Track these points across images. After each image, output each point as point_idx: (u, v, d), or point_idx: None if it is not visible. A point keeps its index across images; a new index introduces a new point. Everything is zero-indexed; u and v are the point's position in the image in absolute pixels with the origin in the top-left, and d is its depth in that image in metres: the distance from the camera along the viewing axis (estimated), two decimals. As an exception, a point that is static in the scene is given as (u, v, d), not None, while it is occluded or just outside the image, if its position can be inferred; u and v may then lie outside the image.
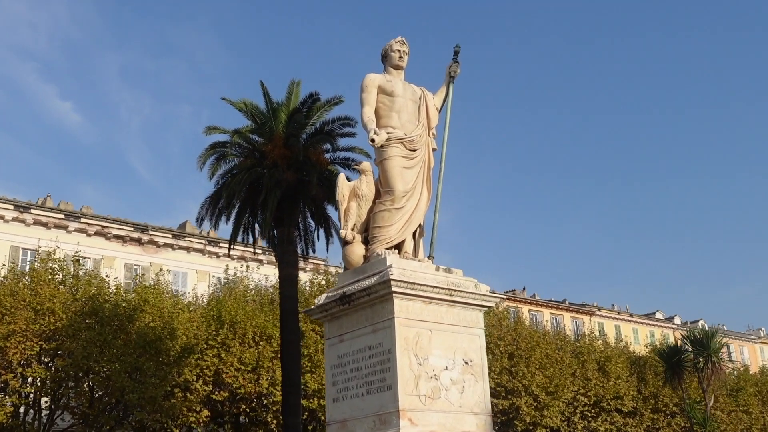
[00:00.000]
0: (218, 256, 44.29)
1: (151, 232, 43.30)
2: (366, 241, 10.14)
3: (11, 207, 39.74)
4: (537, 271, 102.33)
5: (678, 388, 32.34)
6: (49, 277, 24.50)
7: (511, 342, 33.98)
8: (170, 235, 44.00)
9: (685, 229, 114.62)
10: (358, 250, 10.16)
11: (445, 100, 10.80)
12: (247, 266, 37.45)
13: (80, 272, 26.67)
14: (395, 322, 8.95)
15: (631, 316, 68.80)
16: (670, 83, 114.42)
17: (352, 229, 10.16)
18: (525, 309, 57.29)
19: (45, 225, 39.89)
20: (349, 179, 10.41)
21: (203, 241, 44.56)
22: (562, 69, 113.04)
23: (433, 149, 10.41)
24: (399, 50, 10.54)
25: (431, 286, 9.35)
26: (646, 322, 69.69)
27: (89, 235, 41.23)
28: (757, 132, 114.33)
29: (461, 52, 10.75)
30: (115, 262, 41.87)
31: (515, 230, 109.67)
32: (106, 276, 28.14)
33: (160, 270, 34.36)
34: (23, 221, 39.45)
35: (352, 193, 10.24)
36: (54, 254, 26.00)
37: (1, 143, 79.86)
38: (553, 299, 64.09)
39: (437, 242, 10.32)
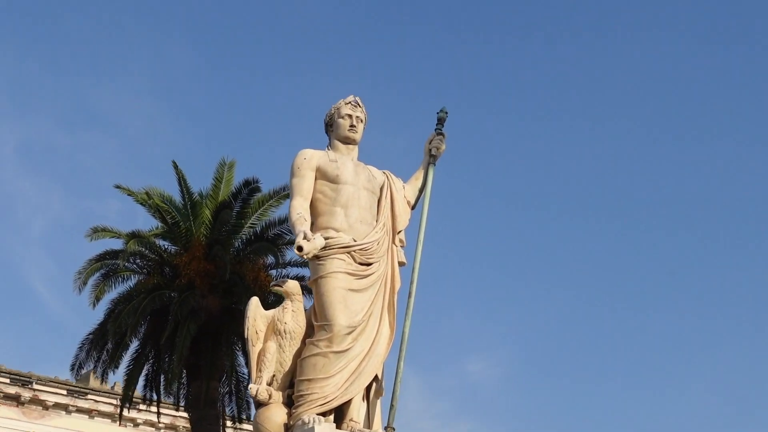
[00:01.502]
0: (136, 424, 42.92)
1: (36, 386, 41.80)
2: (291, 402, 9.67)
3: None
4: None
5: None
6: None
7: None
8: (65, 391, 42.17)
9: None
10: (276, 416, 9.67)
11: (422, 190, 10.54)
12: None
13: None
14: None
15: None
16: None
17: (270, 384, 9.75)
18: None
19: None
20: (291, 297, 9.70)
21: (114, 401, 43.29)
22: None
23: (400, 263, 10.09)
24: (350, 115, 10.29)
25: (382, 483, 9.06)
26: None
27: (-67, 389, 40.38)
28: None
29: (449, 120, 10.65)
30: (-24, 431, 40.90)
31: (601, 398, 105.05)
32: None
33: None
34: None
35: (270, 327, 9.90)
36: None
37: None
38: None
39: (399, 403, 9.94)
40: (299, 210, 9.74)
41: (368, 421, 9.74)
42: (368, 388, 9.72)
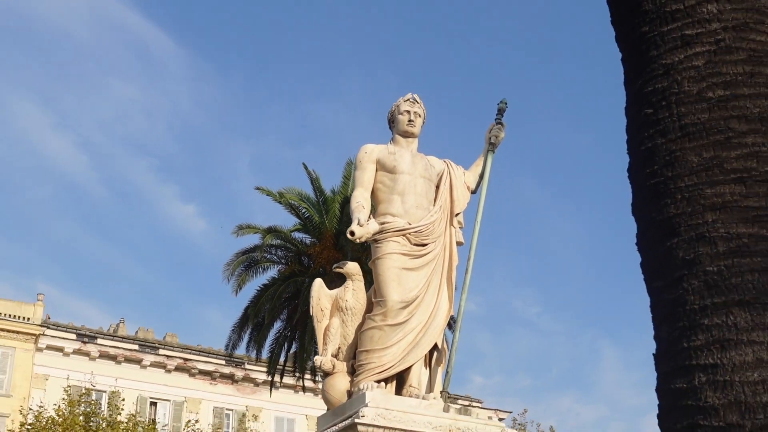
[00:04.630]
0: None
1: (247, 367, 44.32)
2: (354, 371, 9.83)
3: (73, 337, 42.69)
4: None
5: None
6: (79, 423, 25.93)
7: None
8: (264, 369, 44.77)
9: None
10: (340, 384, 9.91)
11: (481, 176, 10.56)
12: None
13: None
14: (364, 491, 8.24)
15: None
16: None
17: (335, 355, 9.99)
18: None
19: (114, 358, 42.30)
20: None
21: (316, 378, 45.12)
22: None
23: (458, 243, 10.16)
24: (408, 111, 10.47)
25: (422, 434, 8.74)
26: None
27: (168, 371, 43.02)
28: None
29: (508, 111, 10.49)
30: (201, 405, 43.35)
31: None
32: (194, 422, 29.17)
33: (254, 416, 35.14)
34: (87, 354, 41.94)
35: (334, 305, 10.15)
36: (88, 394, 27.61)
37: (109, 257, 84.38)
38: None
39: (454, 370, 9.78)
40: (359, 199, 9.94)
41: (430, 387, 9.71)
42: (431, 357, 9.83)
